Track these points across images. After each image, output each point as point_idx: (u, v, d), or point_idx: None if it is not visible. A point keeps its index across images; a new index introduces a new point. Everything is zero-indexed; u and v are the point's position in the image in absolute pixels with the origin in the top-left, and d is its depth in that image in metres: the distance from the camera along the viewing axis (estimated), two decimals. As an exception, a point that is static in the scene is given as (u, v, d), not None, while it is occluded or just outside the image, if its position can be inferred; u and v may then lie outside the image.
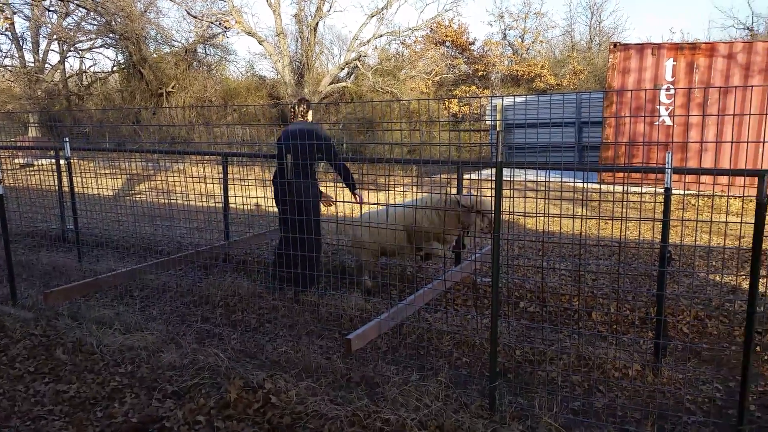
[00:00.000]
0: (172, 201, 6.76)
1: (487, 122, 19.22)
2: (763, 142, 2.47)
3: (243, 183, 6.16)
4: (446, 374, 3.85)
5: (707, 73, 11.24)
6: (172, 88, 26.73)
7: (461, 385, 3.87)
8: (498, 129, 3.31)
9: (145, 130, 14.68)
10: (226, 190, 6.53)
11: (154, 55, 26.97)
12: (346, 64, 24.79)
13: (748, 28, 27.96)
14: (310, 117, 5.85)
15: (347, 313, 4.92)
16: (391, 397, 3.42)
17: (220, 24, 24.82)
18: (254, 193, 7.11)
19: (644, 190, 6.87)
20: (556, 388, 3.80)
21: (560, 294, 5.53)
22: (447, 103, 24.49)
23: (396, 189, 9.51)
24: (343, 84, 25.46)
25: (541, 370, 4.04)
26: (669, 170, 3.64)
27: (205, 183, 6.23)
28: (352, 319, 4.82)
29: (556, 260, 7.08)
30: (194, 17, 24.66)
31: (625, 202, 4.29)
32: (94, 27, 25.68)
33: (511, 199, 4.11)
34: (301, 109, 5.79)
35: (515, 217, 8.13)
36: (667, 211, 3.71)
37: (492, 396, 3.39)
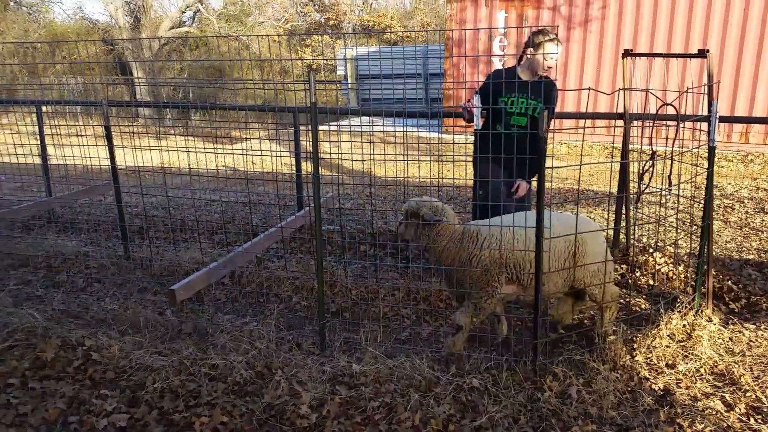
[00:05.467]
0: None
1: (339, 73, 19.16)
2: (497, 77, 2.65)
3: (72, 135, 5.58)
4: (280, 318, 3.93)
5: (535, 24, 12.05)
6: (-14, 32, 23.40)
7: (297, 327, 3.98)
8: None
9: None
10: (42, 141, 5.97)
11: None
12: (187, 7, 23.16)
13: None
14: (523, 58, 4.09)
15: (183, 268, 4.79)
16: (221, 343, 3.43)
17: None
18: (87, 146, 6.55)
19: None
20: (385, 321, 4.04)
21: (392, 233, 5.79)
22: (301, 52, 23.97)
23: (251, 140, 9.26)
24: (186, 29, 23.87)
25: (373, 307, 4.26)
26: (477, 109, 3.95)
27: (24, 137, 5.63)
28: (188, 273, 4.70)
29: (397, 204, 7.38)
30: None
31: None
32: None
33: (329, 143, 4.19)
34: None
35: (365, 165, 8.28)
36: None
37: (322, 334, 3.53)
